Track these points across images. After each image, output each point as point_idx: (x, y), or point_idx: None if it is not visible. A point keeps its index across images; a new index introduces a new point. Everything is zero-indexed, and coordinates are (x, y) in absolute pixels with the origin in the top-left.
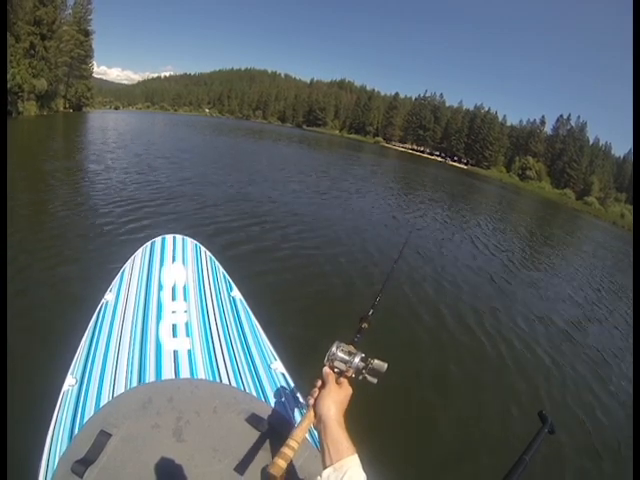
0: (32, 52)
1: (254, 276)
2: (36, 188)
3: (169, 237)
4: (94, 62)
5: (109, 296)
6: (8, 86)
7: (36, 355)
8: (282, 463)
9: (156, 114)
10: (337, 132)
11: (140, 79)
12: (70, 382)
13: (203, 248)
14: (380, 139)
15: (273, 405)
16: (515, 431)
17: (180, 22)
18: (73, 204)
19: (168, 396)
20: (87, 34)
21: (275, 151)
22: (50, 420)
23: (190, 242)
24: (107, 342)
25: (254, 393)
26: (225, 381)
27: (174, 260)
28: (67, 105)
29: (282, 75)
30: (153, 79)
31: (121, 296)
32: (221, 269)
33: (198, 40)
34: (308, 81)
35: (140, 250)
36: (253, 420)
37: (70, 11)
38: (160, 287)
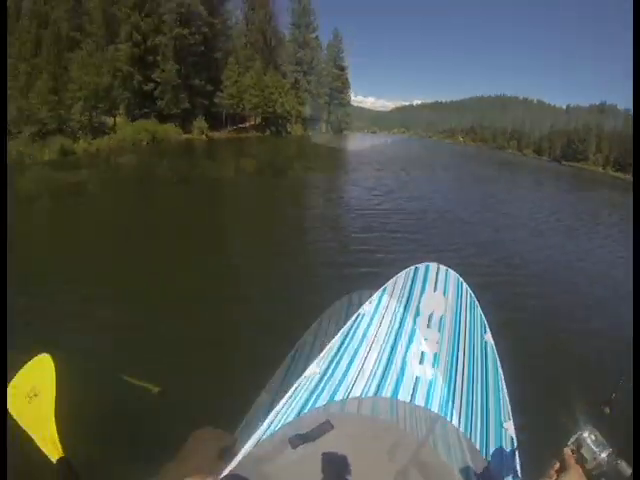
0: (297, 86)
1: (507, 324)
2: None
3: (433, 265)
4: (351, 92)
5: (367, 307)
6: (279, 112)
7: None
8: None
9: (412, 139)
10: (600, 169)
11: (394, 107)
12: (314, 370)
13: (465, 284)
14: None
15: (492, 465)
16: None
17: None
18: (334, 221)
19: (401, 416)
20: (342, 69)
21: (526, 188)
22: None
23: (453, 275)
24: (357, 348)
25: (478, 446)
26: (455, 423)
27: (435, 289)
28: (329, 128)
29: (534, 101)
30: (405, 107)
31: (379, 310)
32: (479, 309)
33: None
34: (564, 107)
35: (403, 273)
36: (467, 474)
37: (325, 51)
38: (417, 312)
